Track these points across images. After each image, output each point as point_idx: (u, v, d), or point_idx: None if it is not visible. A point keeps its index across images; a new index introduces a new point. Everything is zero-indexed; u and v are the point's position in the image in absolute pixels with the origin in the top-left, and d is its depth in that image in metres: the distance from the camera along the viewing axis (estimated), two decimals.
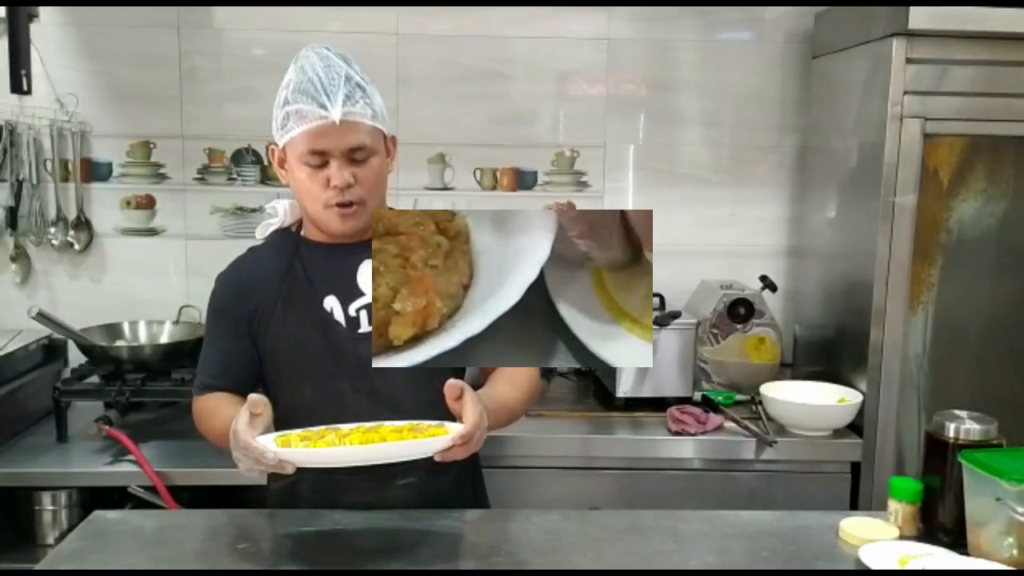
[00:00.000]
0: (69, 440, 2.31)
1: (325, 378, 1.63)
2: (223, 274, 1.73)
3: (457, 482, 1.69)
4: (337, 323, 1.62)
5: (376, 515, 1.57)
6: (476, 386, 1.55)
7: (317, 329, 1.62)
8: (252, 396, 1.43)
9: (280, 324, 1.63)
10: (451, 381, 1.45)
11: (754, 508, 2.04)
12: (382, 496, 1.61)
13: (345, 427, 1.47)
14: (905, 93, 2.17)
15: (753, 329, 2.49)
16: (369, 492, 1.60)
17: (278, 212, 1.75)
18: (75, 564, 1.43)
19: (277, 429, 1.47)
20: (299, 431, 1.45)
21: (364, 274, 1.63)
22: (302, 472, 1.45)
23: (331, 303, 1.63)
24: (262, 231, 1.77)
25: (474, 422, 1.40)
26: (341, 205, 1.57)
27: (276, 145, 1.63)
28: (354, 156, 1.55)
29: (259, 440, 1.38)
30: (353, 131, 1.54)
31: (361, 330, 1.62)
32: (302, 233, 1.71)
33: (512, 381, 1.67)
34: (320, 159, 1.55)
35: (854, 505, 2.26)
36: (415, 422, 1.46)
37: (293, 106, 1.56)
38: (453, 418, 1.46)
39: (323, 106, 1.52)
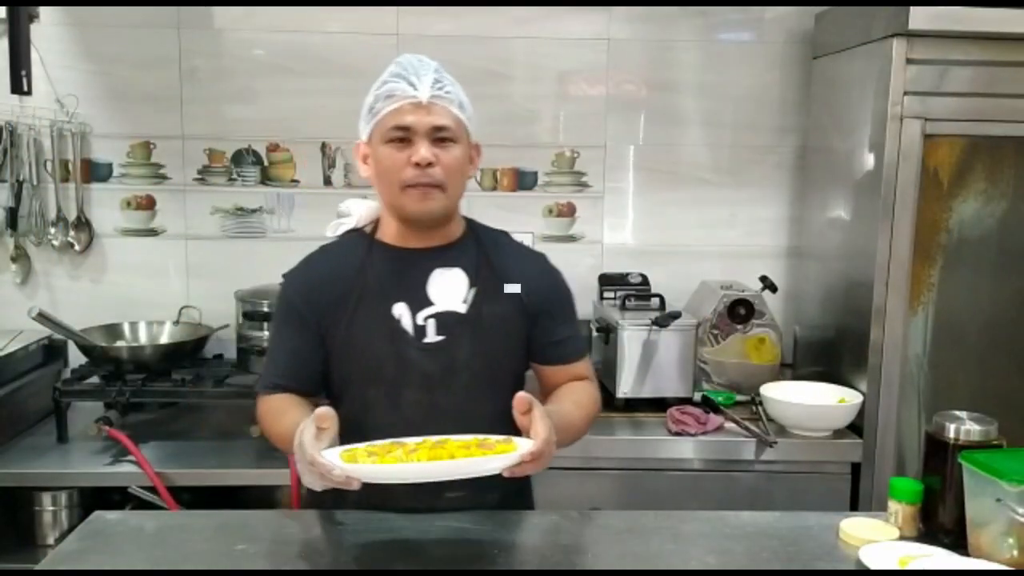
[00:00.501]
0: (69, 440, 2.31)
1: (389, 386, 1.60)
2: (292, 272, 1.69)
3: (506, 498, 1.66)
4: (405, 331, 1.60)
5: (377, 515, 1.57)
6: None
7: (385, 335, 1.60)
8: (319, 410, 1.41)
9: (349, 326, 1.61)
10: (520, 394, 1.42)
11: (754, 509, 2.04)
12: (430, 505, 1.58)
13: (411, 441, 1.43)
14: (905, 93, 2.18)
15: (753, 329, 2.49)
16: (417, 499, 1.57)
17: (352, 211, 1.74)
18: (75, 565, 1.43)
19: (340, 434, 1.45)
20: (365, 445, 1.43)
21: (434, 283, 1.62)
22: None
23: (400, 310, 1.61)
24: (333, 230, 1.76)
25: (544, 438, 1.37)
26: (419, 186, 1.55)
27: (360, 141, 1.64)
28: (438, 136, 1.55)
29: (326, 455, 1.36)
30: (438, 112, 1.55)
31: (427, 340, 1.60)
32: (376, 236, 1.68)
33: (577, 402, 1.65)
34: (404, 135, 1.55)
35: (854, 506, 2.26)
36: (482, 437, 1.42)
37: (383, 88, 1.58)
38: (516, 432, 1.43)
39: (412, 85, 1.55)
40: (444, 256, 1.63)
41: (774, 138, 2.81)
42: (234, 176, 2.76)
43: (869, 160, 2.30)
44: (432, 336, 1.60)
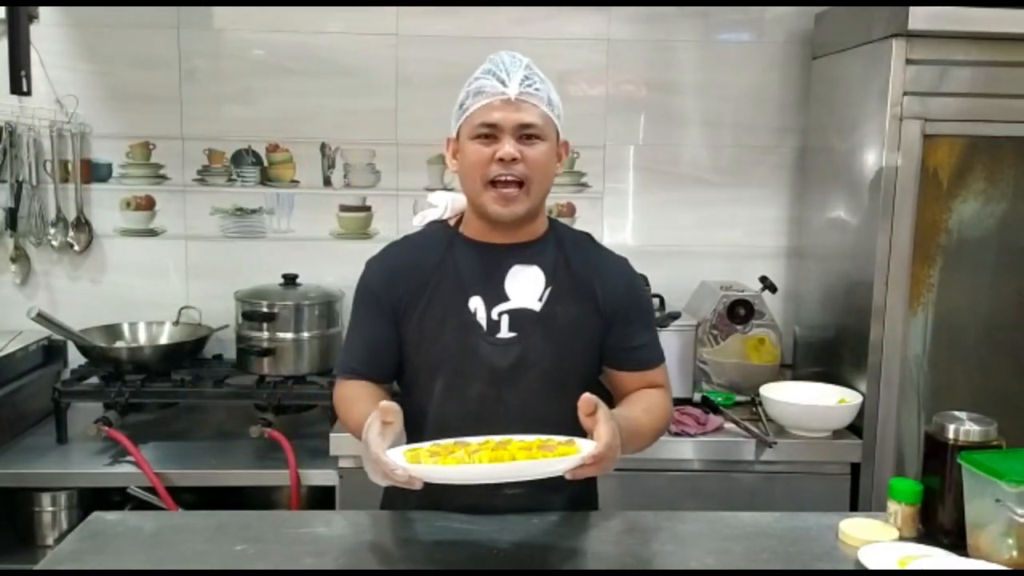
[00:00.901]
0: (69, 441, 2.31)
1: (458, 378, 1.61)
2: (374, 259, 1.71)
3: (572, 500, 1.67)
4: (479, 324, 1.61)
5: (382, 514, 1.56)
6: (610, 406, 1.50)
7: (459, 327, 1.61)
8: (384, 404, 1.42)
9: (424, 316, 1.62)
10: (586, 396, 1.41)
11: (754, 509, 2.03)
12: (487, 501, 1.58)
13: (473, 441, 1.44)
14: (905, 94, 2.17)
15: (753, 330, 2.49)
16: (475, 495, 1.55)
17: (438, 203, 1.75)
18: (74, 565, 1.43)
19: (407, 422, 1.47)
20: (428, 445, 1.44)
21: (512, 278, 1.63)
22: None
23: (476, 303, 1.62)
24: (420, 220, 1.78)
25: (607, 441, 1.36)
26: (504, 184, 1.56)
27: (451, 137, 1.65)
28: (525, 133, 1.56)
29: (390, 454, 1.36)
30: (527, 109, 1.56)
31: (499, 335, 1.61)
32: (460, 229, 1.69)
33: (648, 409, 1.64)
34: (491, 132, 1.55)
35: (854, 506, 2.26)
36: (544, 437, 1.43)
37: (474, 84, 1.58)
38: (584, 433, 1.42)
39: (502, 82, 1.55)
40: (524, 253, 1.64)
41: (774, 138, 2.81)
42: (234, 176, 2.76)
43: (869, 160, 2.29)
44: (504, 332, 1.61)
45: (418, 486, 1.35)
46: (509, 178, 1.55)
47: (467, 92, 1.60)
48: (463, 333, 1.61)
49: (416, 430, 1.59)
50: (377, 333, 1.66)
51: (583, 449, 1.37)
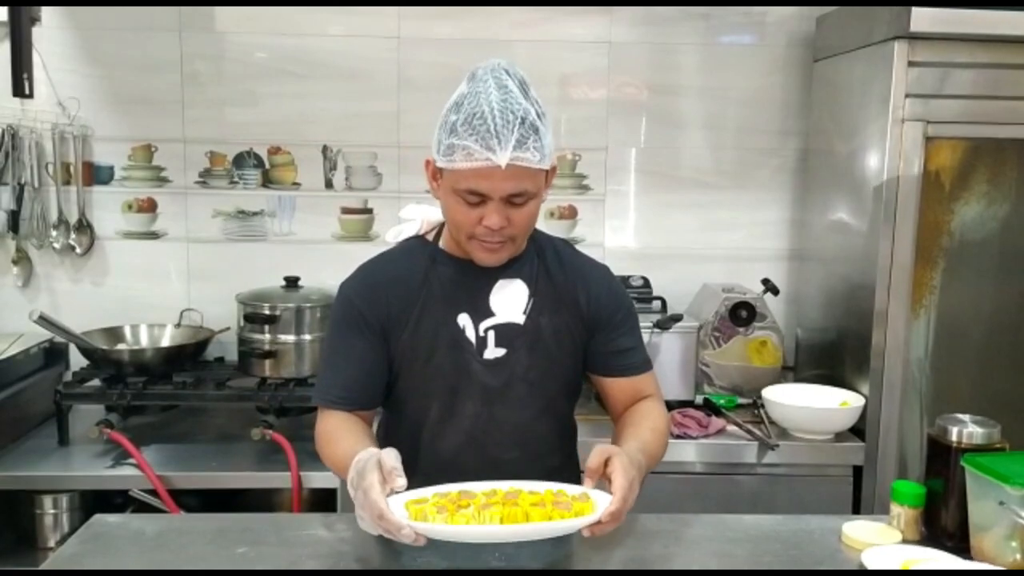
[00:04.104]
0: (70, 443, 2.31)
1: (453, 396, 1.59)
2: (352, 279, 1.64)
3: (559, 471, 1.63)
4: (468, 342, 1.58)
5: None
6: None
7: (449, 345, 1.58)
8: (388, 462, 1.34)
9: (413, 334, 1.58)
10: (599, 450, 1.39)
11: (757, 511, 2.04)
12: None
13: (478, 490, 1.38)
14: (907, 96, 2.17)
15: (755, 332, 2.49)
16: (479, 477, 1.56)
17: (414, 217, 1.71)
18: (75, 568, 1.42)
19: (396, 443, 1.43)
20: (432, 494, 1.38)
21: (497, 293, 1.60)
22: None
23: (464, 320, 1.59)
24: (394, 236, 1.72)
25: (622, 496, 1.34)
26: (489, 241, 1.51)
27: (432, 159, 1.53)
28: (513, 200, 1.47)
29: (392, 505, 1.31)
30: (517, 176, 1.44)
31: (487, 353, 1.58)
32: (440, 244, 1.64)
33: (655, 428, 1.60)
34: (478, 198, 1.47)
35: (856, 509, 2.26)
36: (556, 488, 1.40)
37: (460, 141, 1.43)
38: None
39: (491, 149, 1.41)
40: (507, 267, 1.60)
41: (776, 141, 2.81)
42: (235, 179, 2.76)
43: (871, 163, 2.29)
44: (492, 349, 1.59)
45: (423, 543, 1.31)
46: (496, 240, 1.51)
47: (452, 144, 1.44)
48: (455, 351, 1.58)
49: (408, 451, 1.55)
50: (364, 355, 1.58)
51: (597, 502, 1.36)
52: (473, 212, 1.48)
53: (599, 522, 1.33)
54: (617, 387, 1.69)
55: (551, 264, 1.64)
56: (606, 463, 1.39)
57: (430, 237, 1.68)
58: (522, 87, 1.50)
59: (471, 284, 1.60)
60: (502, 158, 1.42)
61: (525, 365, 1.59)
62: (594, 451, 1.41)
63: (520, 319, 1.60)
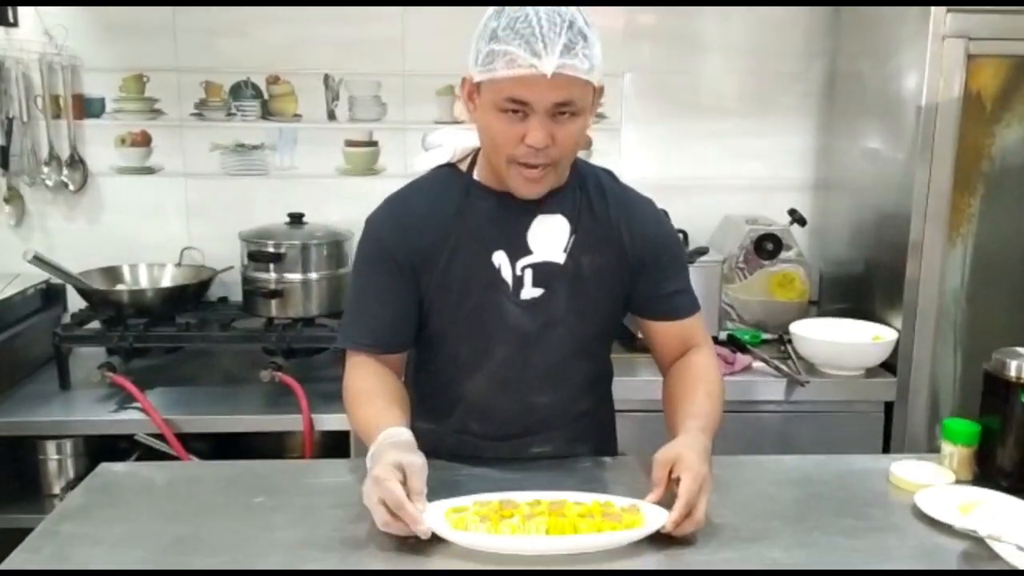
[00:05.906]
0: (72, 387, 2.24)
1: (484, 339, 1.50)
2: (379, 213, 1.52)
3: (595, 450, 1.61)
4: (504, 281, 1.47)
5: None
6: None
7: (483, 285, 1.47)
8: (411, 466, 1.27)
9: (446, 272, 1.47)
10: (661, 461, 1.33)
11: (783, 450, 1.98)
12: (516, 456, 1.54)
13: (521, 500, 1.31)
14: (948, 10, 2.04)
15: (779, 265, 2.39)
16: (503, 453, 1.54)
17: (445, 145, 1.56)
18: (83, 520, 1.35)
19: (428, 382, 1.39)
20: (472, 503, 1.31)
21: (535, 231, 1.48)
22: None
23: (500, 259, 1.47)
24: (423, 163, 1.58)
25: (685, 501, 1.25)
26: (530, 165, 1.38)
27: (469, 76, 1.40)
28: (558, 111, 1.34)
29: (431, 513, 1.25)
30: (564, 85, 1.32)
31: (524, 295, 1.48)
32: (474, 175, 1.52)
33: (710, 393, 1.51)
34: (520, 109, 1.34)
35: (887, 447, 2.20)
36: (603, 499, 1.32)
37: (502, 46, 1.31)
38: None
39: (537, 54, 1.29)
40: (547, 200, 1.47)
41: (800, 64, 2.68)
42: (233, 111, 2.63)
43: (907, 84, 2.17)
44: (529, 290, 1.48)
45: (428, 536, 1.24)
46: (539, 161, 1.38)
47: (492, 50, 1.33)
48: (489, 292, 1.48)
49: (437, 392, 1.51)
50: (393, 295, 1.49)
51: (646, 515, 1.28)
52: (514, 129, 1.35)
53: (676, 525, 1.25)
54: (663, 332, 1.59)
55: (594, 197, 1.52)
56: (670, 470, 1.32)
57: (463, 167, 1.54)
58: None
59: (508, 219, 1.48)
60: (548, 65, 1.29)
61: (564, 307, 1.49)
62: (656, 462, 1.33)
63: (560, 258, 1.48)
